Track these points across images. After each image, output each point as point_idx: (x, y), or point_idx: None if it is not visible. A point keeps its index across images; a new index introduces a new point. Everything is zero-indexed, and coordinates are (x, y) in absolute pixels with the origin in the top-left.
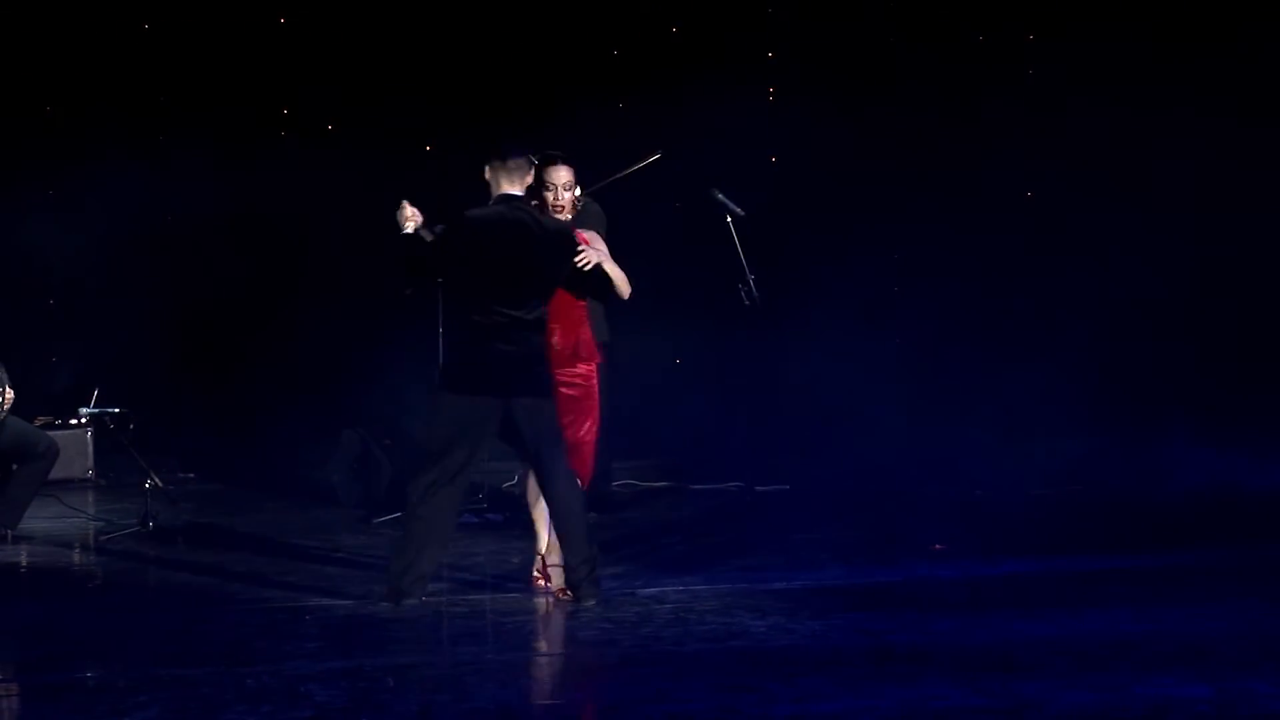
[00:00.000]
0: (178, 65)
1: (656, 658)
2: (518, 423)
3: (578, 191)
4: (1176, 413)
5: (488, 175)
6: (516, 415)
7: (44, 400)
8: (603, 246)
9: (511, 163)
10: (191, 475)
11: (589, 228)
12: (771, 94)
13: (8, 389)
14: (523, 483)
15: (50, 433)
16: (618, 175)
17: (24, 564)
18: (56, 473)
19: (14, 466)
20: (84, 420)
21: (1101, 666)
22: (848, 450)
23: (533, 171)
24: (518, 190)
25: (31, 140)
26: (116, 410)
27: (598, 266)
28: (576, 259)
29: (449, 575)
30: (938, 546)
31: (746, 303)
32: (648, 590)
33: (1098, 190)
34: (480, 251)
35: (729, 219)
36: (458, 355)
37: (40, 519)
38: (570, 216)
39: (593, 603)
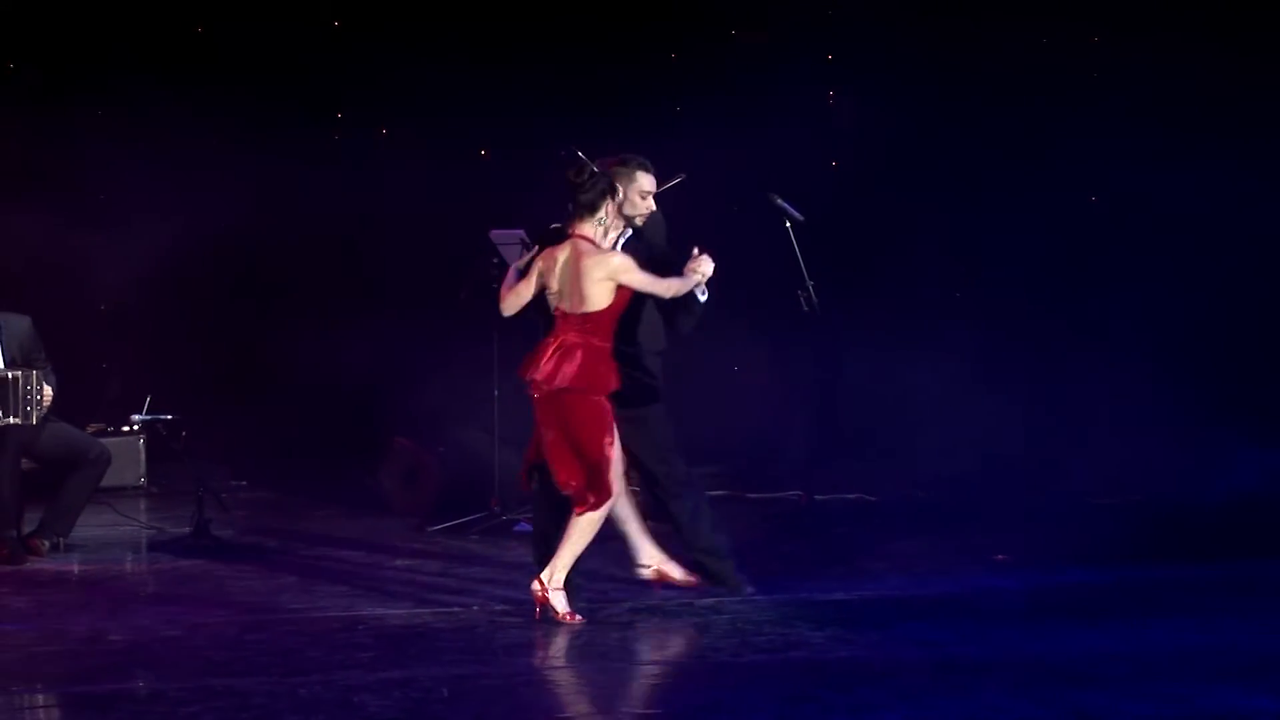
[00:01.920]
0: (228, 70)
1: (714, 669)
2: None
3: None
4: (1241, 418)
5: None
6: None
7: (96, 407)
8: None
9: None
10: (244, 483)
11: (651, 234)
12: (831, 97)
13: (46, 387)
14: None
15: (102, 440)
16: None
17: (76, 572)
18: (109, 480)
19: (66, 474)
20: (136, 428)
21: (1165, 678)
22: (908, 458)
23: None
24: None
25: (83, 144)
26: (168, 417)
27: None
28: None
29: (503, 585)
30: (999, 556)
31: (806, 309)
32: (705, 600)
33: (1161, 192)
34: None
35: (788, 224)
36: None
37: (93, 527)
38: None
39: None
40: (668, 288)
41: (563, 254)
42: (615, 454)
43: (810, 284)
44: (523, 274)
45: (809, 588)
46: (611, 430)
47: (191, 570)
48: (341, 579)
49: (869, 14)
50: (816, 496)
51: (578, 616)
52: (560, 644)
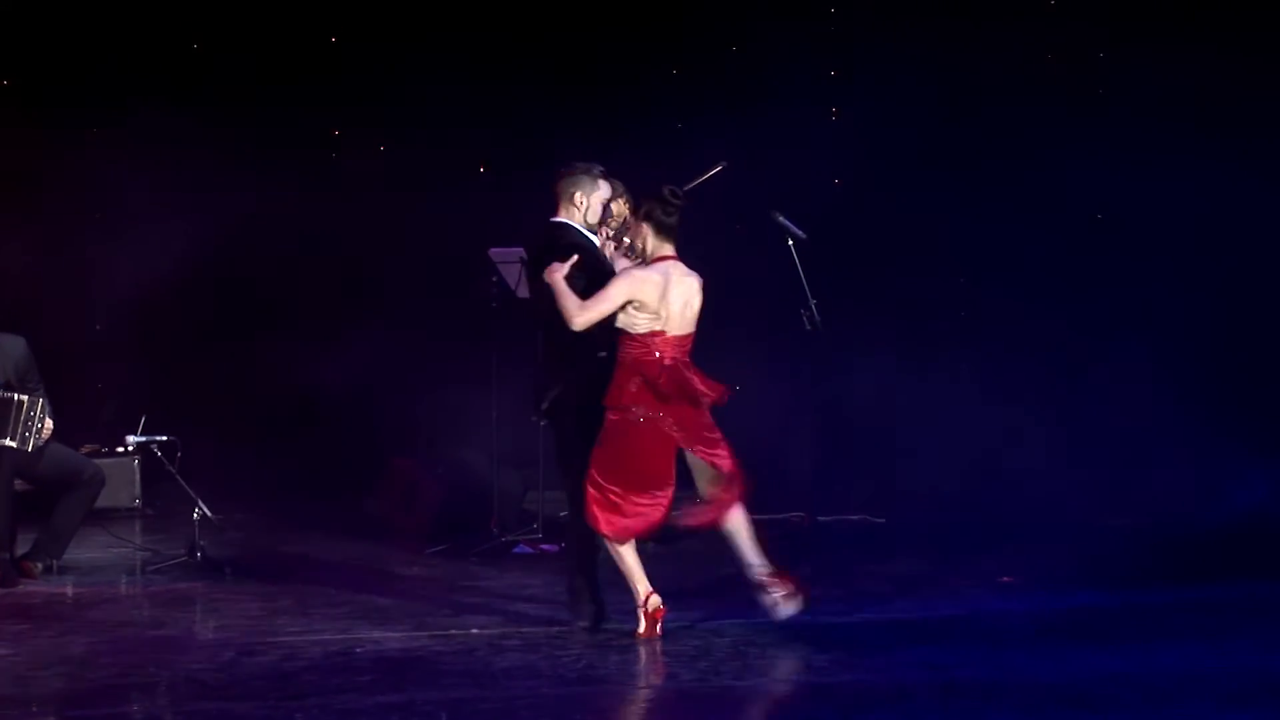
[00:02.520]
0: (223, 87)
1: (716, 692)
2: None
3: None
4: (1253, 433)
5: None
6: None
7: (90, 428)
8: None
9: None
10: (240, 504)
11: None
12: (835, 113)
13: (48, 419)
14: None
15: (97, 461)
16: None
17: (70, 595)
18: (103, 502)
19: (60, 495)
20: (131, 449)
21: (1175, 702)
22: (912, 479)
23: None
24: None
25: (77, 164)
26: (164, 438)
27: None
28: None
29: (502, 607)
30: (1006, 578)
31: (809, 328)
32: (707, 623)
33: (1168, 208)
34: None
35: (790, 242)
36: None
37: (87, 549)
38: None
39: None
40: None
41: (675, 274)
42: None
43: (813, 302)
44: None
45: (812, 610)
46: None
47: (187, 593)
48: (339, 602)
49: (871, 28)
50: (819, 518)
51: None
52: (559, 667)
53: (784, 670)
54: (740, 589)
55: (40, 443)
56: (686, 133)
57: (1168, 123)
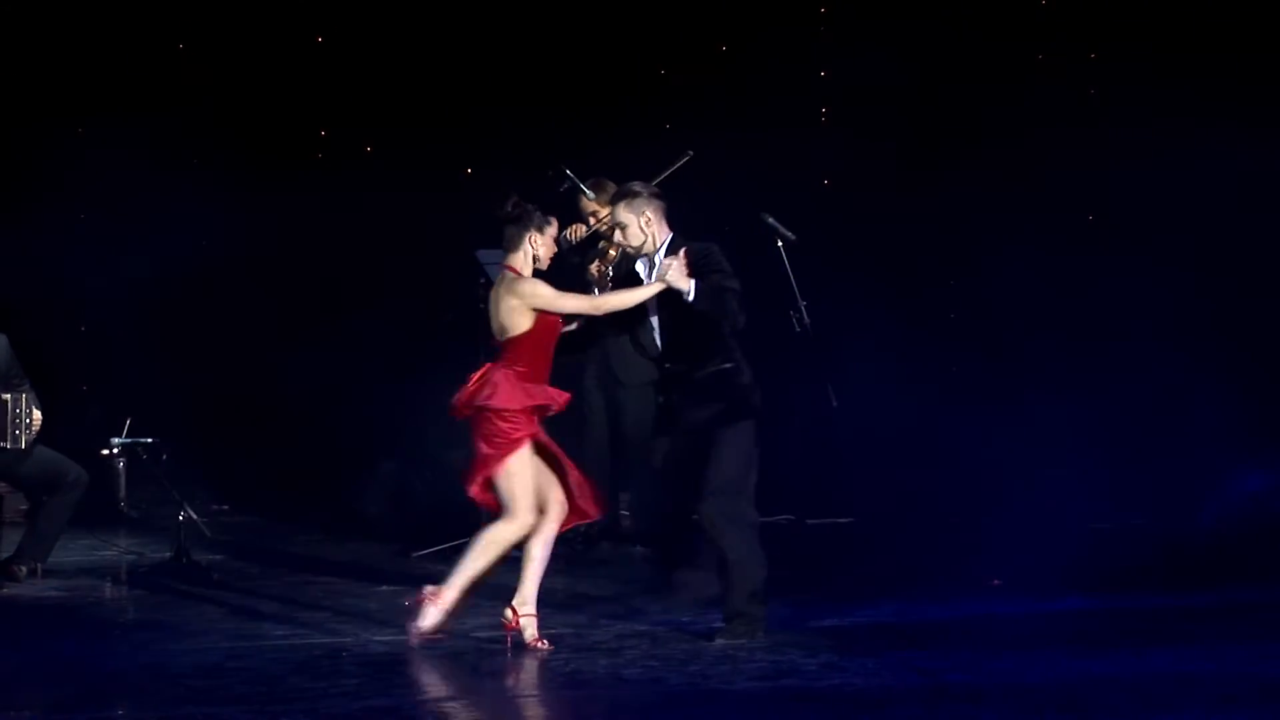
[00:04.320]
0: (211, 89)
1: (705, 696)
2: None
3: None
4: (1238, 441)
5: (645, 212)
6: None
7: (75, 430)
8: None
9: (661, 196)
10: (225, 507)
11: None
12: (824, 115)
13: (36, 411)
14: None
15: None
16: (655, 180)
17: (54, 598)
18: (87, 505)
19: (43, 498)
20: (116, 451)
21: (1167, 707)
22: (902, 482)
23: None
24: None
25: (63, 166)
26: (149, 440)
27: None
28: None
29: (491, 610)
30: (995, 582)
31: (798, 329)
32: (696, 627)
33: (1156, 209)
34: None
35: (780, 244)
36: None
37: (71, 552)
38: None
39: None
40: (583, 304)
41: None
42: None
43: (802, 304)
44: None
45: (801, 614)
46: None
47: (172, 596)
48: (325, 605)
49: (860, 29)
50: (808, 521)
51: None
52: (547, 670)
53: (772, 674)
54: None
55: (32, 437)
56: (675, 133)
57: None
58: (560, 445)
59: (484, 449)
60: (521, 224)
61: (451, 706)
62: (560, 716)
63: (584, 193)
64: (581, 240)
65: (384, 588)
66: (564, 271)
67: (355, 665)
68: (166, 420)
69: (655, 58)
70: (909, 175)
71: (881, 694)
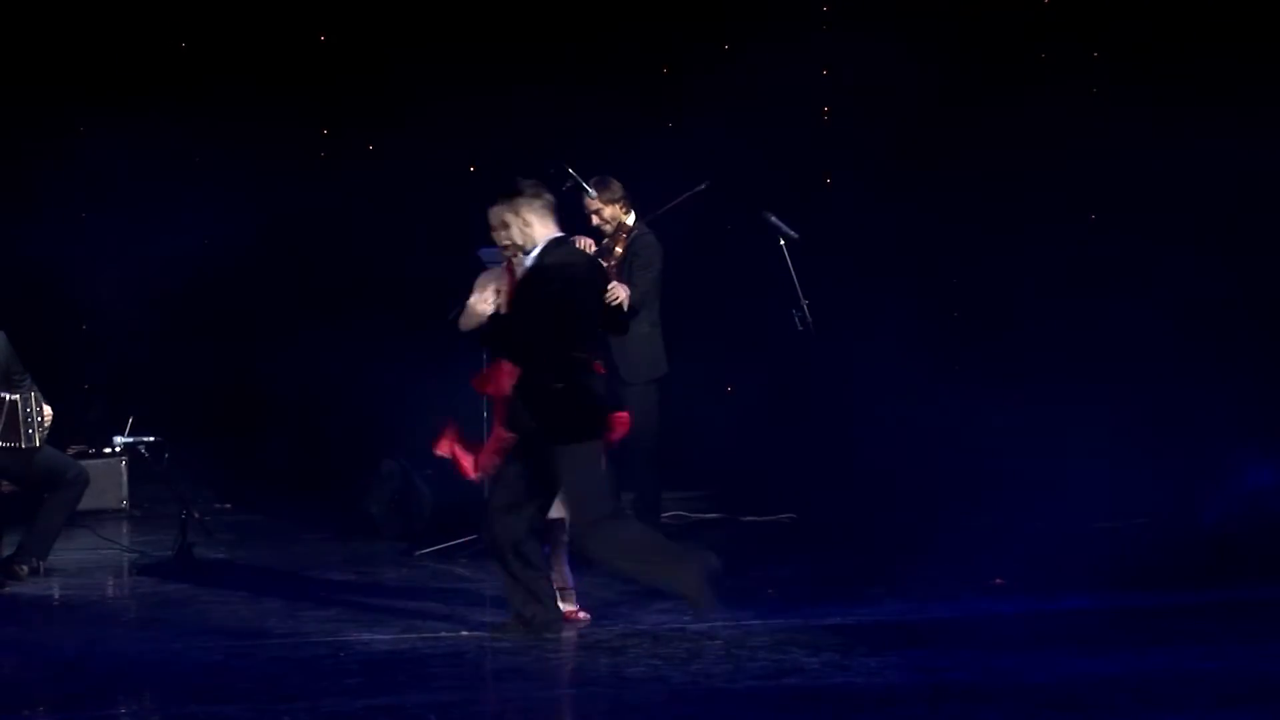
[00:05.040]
0: (213, 86)
1: (707, 695)
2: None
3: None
4: (1242, 438)
5: (521, 214)
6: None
7: (77, 429)
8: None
9: (547, 197)
10: (228, 505)
11: (646, 258)
12: (826, 114)
13: (45, 407)
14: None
15: (84, 462)
16: (667, 206)
17: (57, 597)
18: (90, 503)
19: (44, 495)
20: (118, 449)
21: (1169, 706)
22: (905, 481)
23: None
24: (557, 227)
25: (64, 163)
26: (151, 439)
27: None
28: (607, 294)
29: (492, 610)
30: (998, 581)
31: (800, 328)
32: (698, 626)
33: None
34: (565, 301)
35: (782, 242)
36: (576, 401)
37: (74, 550)
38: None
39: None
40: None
41: None
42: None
43: (805, 302)
44: None
45: (804, 613)
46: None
47: (175, 595)
48: (328, 603)
49: (863, 23)
50: (811, 519)
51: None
52: (551, 670)
53: (775, 673)
54: (729, 591)
55: (45, 433)
56: (679, 133)
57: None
58: None
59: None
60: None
61: (454, 705)
62: (560, 715)
63: (587, 191)
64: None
65: (387, 586)
66: None
67: (357, 664)
68: (169, 418)
69: (658, 55)
70: (911, 173)
71: (885, 693)
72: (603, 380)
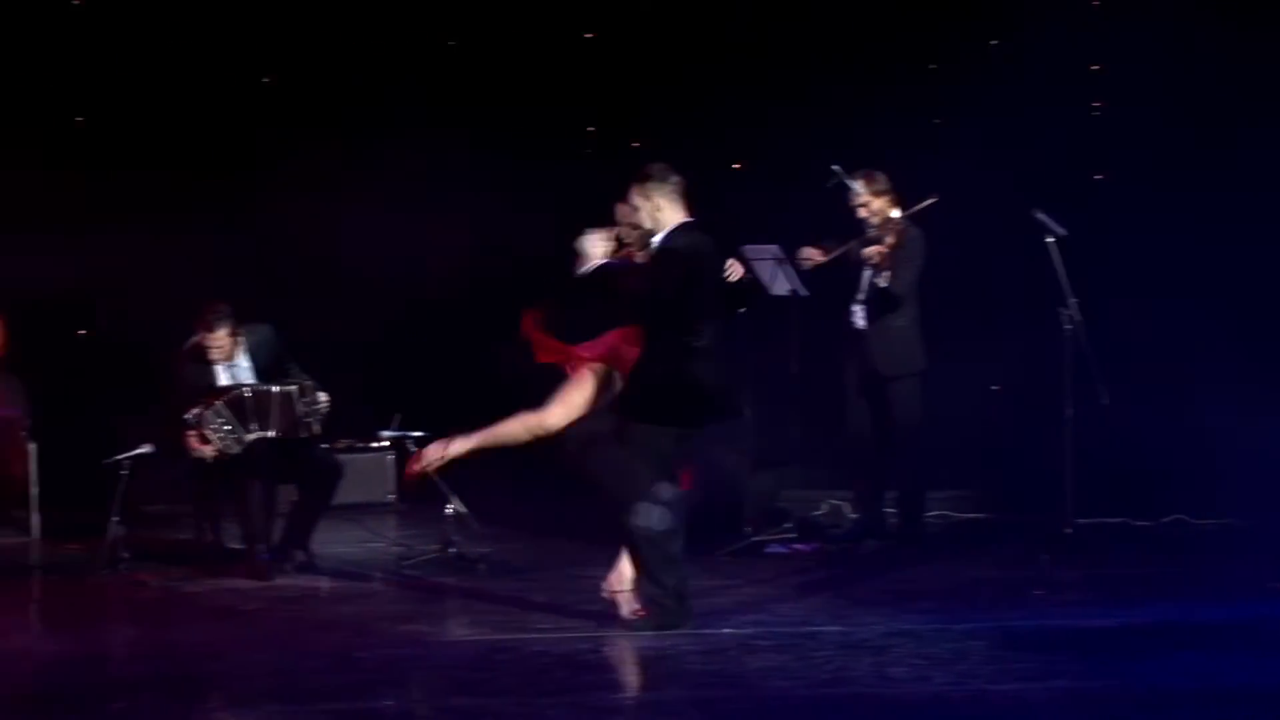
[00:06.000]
0: (489, 87)
1: (972, 696)
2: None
3: None
4: None
5: (652, 198)
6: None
7: (347, 424)
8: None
9: (675, 180)
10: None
11: (911, 251)
12: (1097, 108)
13: (319, 394)
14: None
15: (351, 456)
16: (907, 212)
17: (324, 590)
18: (357, 496)
19: (306, 487)
20: (385, 444)
21: None
22: (1178, 482)
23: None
24: (686, 212)
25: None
26: (418, 434)
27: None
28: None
29: (754, 608)
30: (1278, 584)
31: (1068, 327)
32: (962, 625)
33: None
34: (687, 286)
35: (1050, 239)
36: (672, 384)
37: (340, 544)
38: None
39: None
40: None
41: None
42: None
43: (1072, 301)
44: None
45: (1072, 614)
46: None
47: (440, 588)
48: (592, 599)
49: (1133, 19)
50: (1079, 520)
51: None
52: (813, 669)
53: (1040, 675)
54: (995, 591)
55: (321, 418)
56: (944, 129)
57: None
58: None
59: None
60: None
61: (714, 702)
62: (825, 715)
63: (852, 188)
64: (863, 240)
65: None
66: (845, 269)
67: (619, 659)
68: (436, 413)
69: (924, 54)
70: (1194, 167)
71: (1155, 697)
72: (718, 368)
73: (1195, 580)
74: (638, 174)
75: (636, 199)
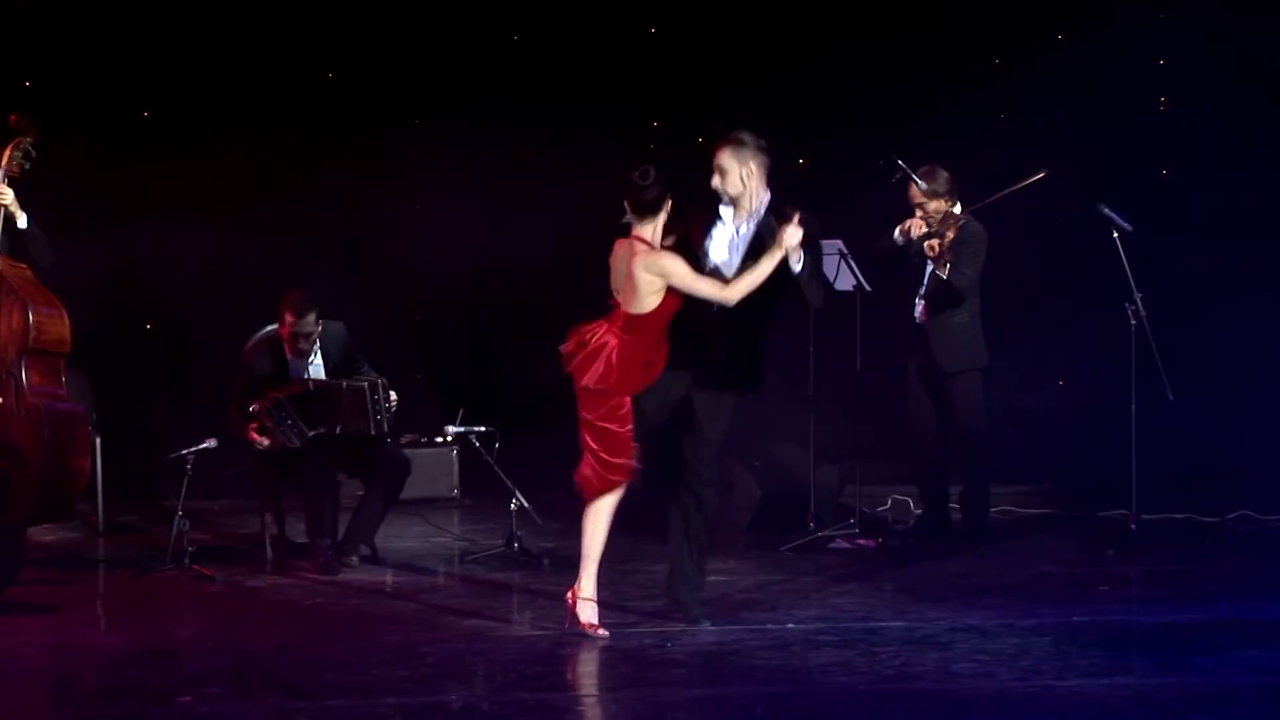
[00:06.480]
0: (550, 82)
1: (1035, 693)
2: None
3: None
4: None
5: (748, 163)
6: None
7: (411, 419)
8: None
9: (765, 156)
10: (557, 496)
11: (973, 247)
12: (1163, 103)
13: (391, 393)
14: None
15: (416, 451)
16: (1003, 192)
17: (389, 584)
18: (422, 491)
19: (373, 483)
20: (449, 439)
21: None
22: (1244, 478)
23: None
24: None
25: (406, 157)
26: (482, 429)
27: None
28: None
29: (818, 603)
30: None
31: (1133, 323)
32: (1026, 621)
33: None
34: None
35: (1116, 235)
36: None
37: (405, 538)
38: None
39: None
40: (714, 290)
41: (621, 253)
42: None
43: (1138, 296)
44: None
45: (1135, 610)
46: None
47: (504, 583)
48: (655, 595)
49: (1203, 13)
50: (1144, 516)
51: (602, 630)
52: (877, 664)
53: (1105, 671)
54: (1059, 587)
55: (391, 417)
56: (1010, 124)
57: None
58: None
59: (613, 429)
60: (661, 197)
61: (780, 698)
62: (889, 710)
63: (915, 182)
64: (922, 235)
65: (711, 578)
66: (907, 264)
67: (684, 655)
68: (500, 408)
69: (990, 48)
70: (1252, 168)
71: (1220, 693)
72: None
73: (1260, 576)
74: (727, 138)
75: (729, 161)
